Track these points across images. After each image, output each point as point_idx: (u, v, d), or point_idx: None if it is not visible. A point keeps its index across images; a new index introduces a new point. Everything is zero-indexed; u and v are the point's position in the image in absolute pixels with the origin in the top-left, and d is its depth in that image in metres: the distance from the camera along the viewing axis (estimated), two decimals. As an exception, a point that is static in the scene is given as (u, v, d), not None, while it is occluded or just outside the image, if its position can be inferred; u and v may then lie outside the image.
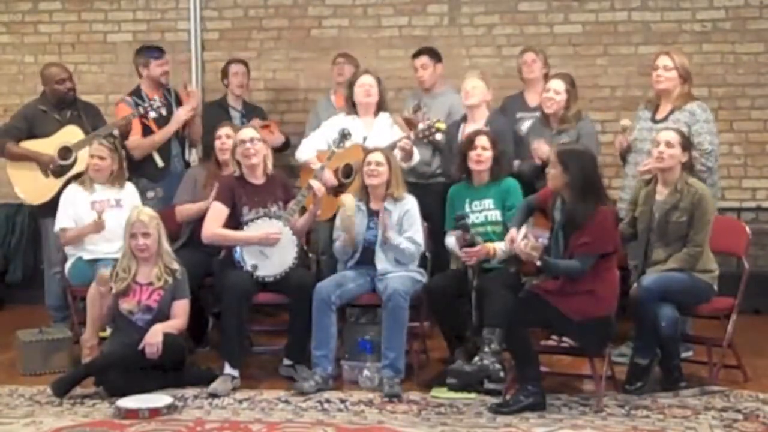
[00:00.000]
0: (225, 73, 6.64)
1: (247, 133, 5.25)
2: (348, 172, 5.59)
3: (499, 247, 4.85)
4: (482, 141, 5.11)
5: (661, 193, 4.87)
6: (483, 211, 5.07)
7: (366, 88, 5.68)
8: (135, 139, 6.05)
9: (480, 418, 4.39)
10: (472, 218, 5.05)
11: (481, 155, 5.10)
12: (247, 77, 6.68)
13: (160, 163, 6.09)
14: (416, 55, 6.28)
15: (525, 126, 5.78)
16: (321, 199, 5.18)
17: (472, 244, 4.87)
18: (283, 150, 6.51)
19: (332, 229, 5.59)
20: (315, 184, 5.16)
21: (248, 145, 5.16)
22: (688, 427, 4.23)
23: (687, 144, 4.87)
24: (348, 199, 5.15)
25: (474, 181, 5.17)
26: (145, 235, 4.95)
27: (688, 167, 4.87)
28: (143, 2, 7.46)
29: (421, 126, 5.58)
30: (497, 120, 5.66)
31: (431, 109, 5.99)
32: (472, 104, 5.62)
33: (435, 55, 6.26)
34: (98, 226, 5.35)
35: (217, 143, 5.59)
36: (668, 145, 4.81)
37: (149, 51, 6.35)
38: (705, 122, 5.22)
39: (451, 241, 5.11)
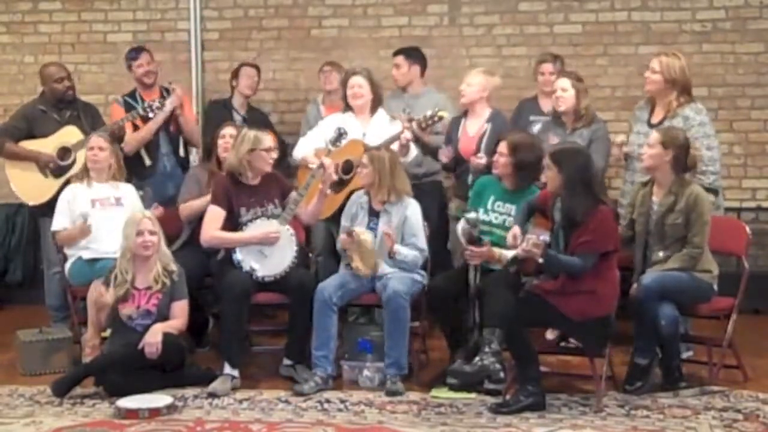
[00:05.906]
0: (235, 75, 6.57)
1: None
2: (348, 168, 5.58)
3: (506, 254, 4.80)
4: (501, 146, 5.04)
5: (657, 195, 4.86)
6: (504, 214, 5.01)
7: (355, 90, 5.65)
8: (127, 133, 6.08)
9: (480, 418, 4.39)
10: (491, 217, 5.03)
11: (498, 160, 5.04)
12: (257, 81, 6.60)
13: (147, 161, 6.11)
14: (394, 54, 6.26)
15: (536, 128, 5.75)
16: (331, 175, 5.14)
17: (477, 241, 4.84)
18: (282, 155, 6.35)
19: (328, 229, 5.60)
20: (326, 160, 5.12)
21: None
22: (688, 427, 4.23)
23: (670, 142, 4.76)
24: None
25: (504, 182, 5.11)
26: (152, 232, 4.97)
27: (682, 166, 4.81)
28: (143, 2, 7.46)
29: (422, 116, 5.54)
30: (497, 117, 5.63)
31: (414, 109, 5.91)
32: (465, 103, 5.61)
33: (413, 57, 6.19)
34: (83, 233, 5.36)
35: (221, 142, 5.59)
36: (648, 145, 4.81)
37: (129, 52, 6.39)
38: (700, 126, 5.16)
39: (461, 227, 5.06)
